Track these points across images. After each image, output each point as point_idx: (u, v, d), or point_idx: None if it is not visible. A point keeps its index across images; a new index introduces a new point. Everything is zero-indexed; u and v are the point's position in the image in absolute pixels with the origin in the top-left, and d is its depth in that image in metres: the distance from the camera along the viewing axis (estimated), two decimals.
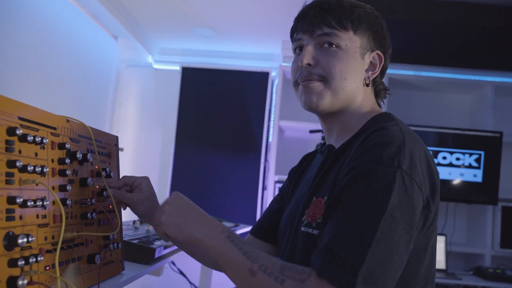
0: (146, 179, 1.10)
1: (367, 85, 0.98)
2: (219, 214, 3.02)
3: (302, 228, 0.92)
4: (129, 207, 1.08)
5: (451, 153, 3.01)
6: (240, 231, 2.19)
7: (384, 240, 0.72)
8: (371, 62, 0.97)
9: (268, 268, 0.75)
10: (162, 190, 3.44)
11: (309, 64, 0.93)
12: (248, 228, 2.58)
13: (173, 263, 2.10)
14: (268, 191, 3.14)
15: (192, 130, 3.46)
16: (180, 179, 3.43)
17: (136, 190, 1.07)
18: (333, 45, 0.92)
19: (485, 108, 3.13)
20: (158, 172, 3.60)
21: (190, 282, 2.51)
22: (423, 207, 0.79)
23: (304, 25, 0.95)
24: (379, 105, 1.05)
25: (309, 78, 0.94)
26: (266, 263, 0.76)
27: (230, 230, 0.84)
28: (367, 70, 0.97)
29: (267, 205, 3.08)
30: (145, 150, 3.66)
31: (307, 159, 1.16)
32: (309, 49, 0.94)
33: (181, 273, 2.28)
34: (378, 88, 1.02)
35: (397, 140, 0.81)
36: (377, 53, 0.97)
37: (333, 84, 0.92)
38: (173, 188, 3.38)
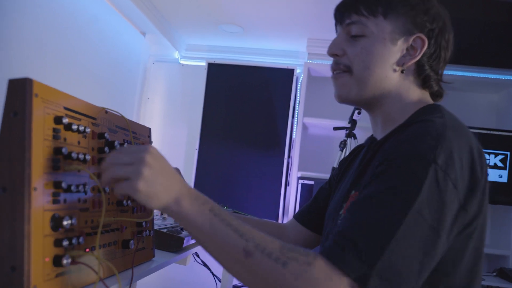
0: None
1: (403, 72, 0.90)
2: (242, 209, 3.06)
3: (339, 222, 0.86)
4: None
5: None
6: None
7: (407, 237, 0.66)
8: (411, 46, 0.89)
9: (266, 248, 0.66)
10: None
11: (336, 55, 0.93)
12: None
13: (197, 255, 2.14)
14: (291, 188, 3.16)
15: (217, 126, 3.51)
16: (204, 173, 3.48)
17: None
18: (360, 34, 0.89)
19: None
20: (182, 167, 3.65)
21: (213, 274, 2.56)
22: (459, 208, 0.73)
23: (336, 14, 0.95)
24: (436, 94, 0.97)
25: (335, 68, 0.94)
26: (263, 242, 0.67)
27: (209, 200, 0.73)
28: (404, 56, 0.89)
29: (289, 202, 3.12)
30: (170, 145, 3.72)
31: (358, 149, 1.12)
32: (337, 39, 0.93)
33: (205, 264, 2.32)
34: (423, 75, 0.92)
35: (435, 133, 0.74)
36: (418, 37, 0.89)
37: (357, 75, 0.89)
38: (197, 182, 3.44)
